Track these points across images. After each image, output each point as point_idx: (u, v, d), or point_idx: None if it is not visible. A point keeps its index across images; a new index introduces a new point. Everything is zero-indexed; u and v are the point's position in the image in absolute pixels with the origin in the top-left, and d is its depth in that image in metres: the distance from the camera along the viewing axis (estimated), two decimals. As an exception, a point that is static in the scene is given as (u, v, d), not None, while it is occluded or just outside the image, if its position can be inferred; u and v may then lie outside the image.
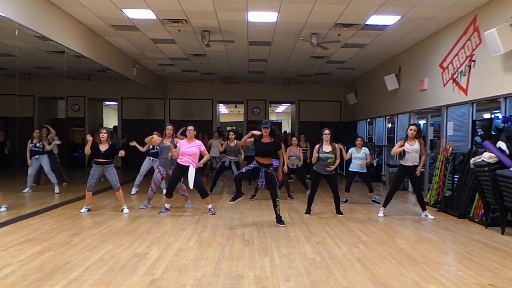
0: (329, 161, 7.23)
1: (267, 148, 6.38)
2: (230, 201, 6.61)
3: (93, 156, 7.36)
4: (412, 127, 7.22)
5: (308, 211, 7.42)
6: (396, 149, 7.18)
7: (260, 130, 6.39)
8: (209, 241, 5.57)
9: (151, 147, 9.27)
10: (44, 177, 10.09)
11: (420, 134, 7.29)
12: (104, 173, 7.32)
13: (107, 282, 3.95)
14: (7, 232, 5.88)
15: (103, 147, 7.24)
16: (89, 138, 7.20)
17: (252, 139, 6.45)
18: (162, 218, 7.05)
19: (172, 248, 5.18)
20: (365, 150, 8.70)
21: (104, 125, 18.84)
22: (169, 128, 7.98)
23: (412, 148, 7.08)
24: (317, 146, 7.36)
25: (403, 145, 7.10)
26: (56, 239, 5.51)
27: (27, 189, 9.22)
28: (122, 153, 7.30)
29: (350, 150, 8.78)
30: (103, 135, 7.26)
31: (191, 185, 7.15)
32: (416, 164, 7.13)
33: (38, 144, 9.26)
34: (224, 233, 6.04)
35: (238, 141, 9.41)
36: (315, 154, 7.28)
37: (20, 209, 7.15)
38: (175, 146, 7.86)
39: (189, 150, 7.20)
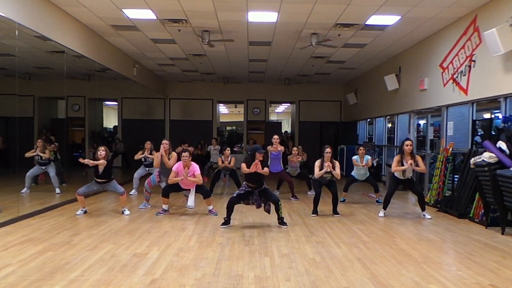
0: (327, 179, 7.40)
1: (258, 176, 6.40)
2: (221, 225, 6.45)
3: (93, 172, 7.28)
4: (409, 142, 7.19)
5: (315, 212, 7.45)
6: (396, 168, 7.18)
7: (252, 156, 6.39)
8: (209, 241, 5.57)
9: (143, 159, 9.32)
10: (43, 177, 10.10)
11: (415, 150, 7.32)
12: (105, 189, 7.34)
13: (107, 282, 3.95)
14: (7, 232, 5.87)
15: (101, 168, 7.11)
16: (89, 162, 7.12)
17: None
18: (162, 218, 7.05)
19: (172, 248, 5.19)
20: (367, 157, 8.72)
21: (104, 125, 18.88)
22: (165, 143, 7.92)
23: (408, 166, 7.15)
24: (318, 162, 7.42)
25: (400, 161, 7.14)
26: (56, 239, 5.51)
27: (25, 189, 9.21)
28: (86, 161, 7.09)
29: (354, 157, 8.78)
30: (101, 153, 7.13)
31: (191, 203, 7.25)
32: (409, 178, 7.24)
33: (43, 158, 9.25)
34: (224, 233, 6.04)
35: (232, 157, 9.42)
36: (318, 171, 7.35)
37: (20, 209, 7.15)
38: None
39: (186, 181, 7.11)
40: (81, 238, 5.63)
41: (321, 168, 7.35)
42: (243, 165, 6.46)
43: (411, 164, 7.02)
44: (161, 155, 7.78)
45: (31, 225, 6.38)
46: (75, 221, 6.81)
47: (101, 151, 7.16)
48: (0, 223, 6.24)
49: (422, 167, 7.18)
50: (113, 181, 7.35)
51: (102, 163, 7.05)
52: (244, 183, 6.61)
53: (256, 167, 6.27)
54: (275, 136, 9.17)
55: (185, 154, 7.11)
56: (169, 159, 7.87)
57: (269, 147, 9.15)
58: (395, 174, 7.32)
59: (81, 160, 7.10)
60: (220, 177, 9.81)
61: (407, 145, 7.13)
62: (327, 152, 7.36)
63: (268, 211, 6.66)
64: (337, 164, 7.44)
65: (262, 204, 6.57)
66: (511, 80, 6.59)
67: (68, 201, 8.37)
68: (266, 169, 6.43)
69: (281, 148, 9.08)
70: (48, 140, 10.54)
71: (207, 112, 17.93)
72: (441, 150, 8.46)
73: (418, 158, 7.20)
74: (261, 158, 6.38)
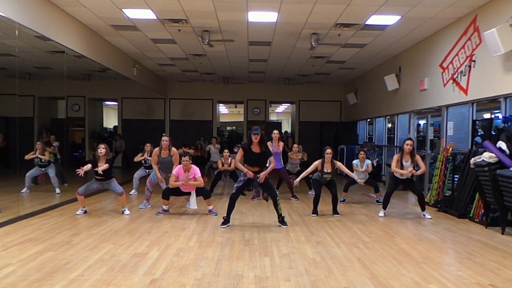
0: (327, 179, 7.44)
1: (257, 157, 6.38)
2: (221, 225, 6.44)
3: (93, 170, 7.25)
4: (409, 141, 7.20)
5: (315, 211, 7.45)
6: (395, 170, 7.19)
7: (250, 137, 6.38)
8: (209, 241, 5.57)
9: (143, 161, 9.31)
10: (43, 177, 10.11)
11: (415, 150, 7.38)
12: (105, 187, 7.32)
13: (107, 282, 3.95)
14: (7, 232, 5.87)
15: (101, 167, 7.06)
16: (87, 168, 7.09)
17: (243, 153, 6.40)
18: (162, 218, 7.05)
19: (172, 248, 5.19)
20: (367, 162, 8.74)
21: (104, 125, 18.89)
22: (164, 140, 7.89)
23: (406, 165, 7.15)
24: (317, 163, 7.43)
25: (400, 160, 7.17)
26: (56, 239, 5.51)
27: (25, 189, 9.23)
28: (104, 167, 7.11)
29: (354, 162, 8.80)
30: (101, 150, 7.12)
31: (194, 206, 7.30)
32: (409, 177, 7.25)
33: (43, 160, 9.27)
34: (224, 233, 6.04)
35: (232, 158, 9.43)
36: (309, 170, 7.47)
37: (20, 209, 7.15)
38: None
39: (187, 184, 7.15)
40: (81, 238, 5.63)
41: (321, 168, 7.38)
42: (240, 152, 6.42)
43: (410, 171, 7.07)
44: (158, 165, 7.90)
45: (31, 225, 6.37)
46: (75, 221, 6.81)
47: (101, 149, 7.15)
48: (0, 223, 6.24)
49: (422, 168, 7.22)
50: (113, 180, 7.34)
51: (105, 168, 7.03)
52: (242, 173, 6.55)
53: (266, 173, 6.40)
54: (275, 131, 9.11)
55: (185, 158, 7.11)
56: (170, 155, 7.88)
57: (268, 143, 9.09)
58: (394, 173, 7.33)
59: (79, 170, 6.89)
60: (221, 178, 9.83)
61: (407, 145, 7.14)
62: (327, 153, 7.37)
63: (267, 199, 6.65)
64: (338, 164, 7.45)
65: (261, 192, 6.57)
66: (511, 80, 6.59)
67: (68, 201, 8.38)
68: (272, 165, 6.48)
69: (281, 144, 9.06)
70: (47, 143, 10.55)
71: (207, 112, 17.93)
72: (441, 150, 8.46)
73: (418, 158, 7.22)
74: (256, 140, 6.31)
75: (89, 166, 7.03)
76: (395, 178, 7.33)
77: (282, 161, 9.29)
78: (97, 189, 7.33)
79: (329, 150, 7.40)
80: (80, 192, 7.19)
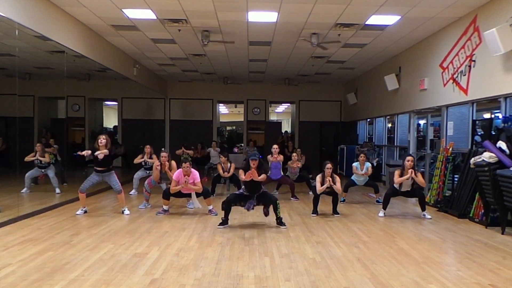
0: (327, 191, 7.44)
1: (256, 184, 6.42)
2: (218, 226, 6.43)
3: (93, 163, 7.28)
4: (410, 158, 7.23)
5: (315, 212, 7.46)
6: (399, 180, 7.23)
7: (248, 162, 6.42)
8: (209, 241, 5.57)
9: (143, 163, 9.32)
10: (43, 177, 10.11)
11: (416, 167, 7.44)
12: (104, 179, 7.29)
13: (107, 282, 3.95)
14: (7, 232, 5.88)
15: (101, 156, 7.09)
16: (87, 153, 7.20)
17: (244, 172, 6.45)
18: (162, 218, 7.06)
19: (172, 248, 5.19)
20: (367, 164, 8.74)
21: (104, 125, 18.88)
22: (163, 156, 7.94)
23: (406, 182, 7.22)
24: (319, 178, 7.42)
25: (400, 176, 7.21)
26: (56, 239, 5.51)
27: (25, 189, 9.23)
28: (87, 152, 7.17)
29: (354, 164, 8.83)
30: (102, 141, 7.13)
31: (197, 205, 7.39)
32: (409, 190, 7.33)
33: (43, 162, 9.29)
34: (224, 233, 6.04)
35: (230, 163, 9.45)
36: (320, 187, 7.36)
37: (20, 209, 7.15)
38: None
39: (187, 187, 7.17)
40: (81, 238, 5.63)
41: (322, 183, 7.38)
42: (241, 172, 6.48)
43: (411, 172, 7.09)
44: (166, 171, 7.89)
45: (31, 225, 6.38)
46: (75, 221, 6.81)
47: (102, 139, 7.17)
48: (0, 223, 6.24)
49: (421, 180, 7.27)
50: (113, 174, 7.32)
51: (104, 152, 7.04)
52: (242, 187, 6.62)
53: (252, 175, 6.29)
54: (275, 146, 9.49)
55: (186, 164, 7.12)
56: (169, 169, 7.92)
57: (269, 157, 9.39)
58: (394, 185, 7.38)
59: (80, 153, 7.17)
60: (221, 182, 9.84)
61: (408, 161, 7.19)
62: (327, 168, 7.37)
63: (266, 214, 6.65)
64: (337, 179, 7.44)
65: (254, 208, 6.56)
66: (511, 80, 6.59)
67: (68, 201, 8.38)
68: (263, 175, 6.40)
69: (280, 158, 9.30)
70: (48, 145, 10.57)
71: (207, 112, 17.93)
72: (441, 150, 8.45)
73: (419, 174, 7.27)
74: (254, 166, 6.35)
75: (88, 151, 7.12)
76: (395, 189, 7.40)
77: (282, 171, 9.52)
78: (98, 183, 7.32)
79: (329, 165, 7.40)
80: (82, 190, 7.20)
